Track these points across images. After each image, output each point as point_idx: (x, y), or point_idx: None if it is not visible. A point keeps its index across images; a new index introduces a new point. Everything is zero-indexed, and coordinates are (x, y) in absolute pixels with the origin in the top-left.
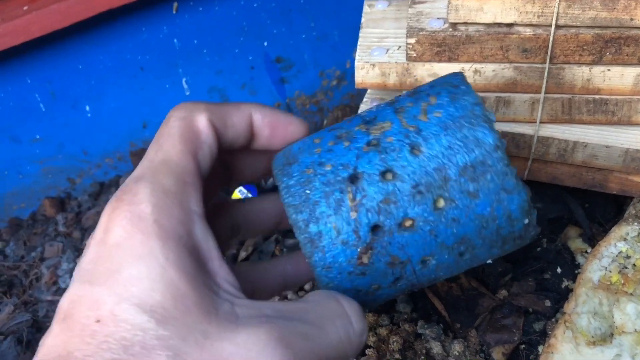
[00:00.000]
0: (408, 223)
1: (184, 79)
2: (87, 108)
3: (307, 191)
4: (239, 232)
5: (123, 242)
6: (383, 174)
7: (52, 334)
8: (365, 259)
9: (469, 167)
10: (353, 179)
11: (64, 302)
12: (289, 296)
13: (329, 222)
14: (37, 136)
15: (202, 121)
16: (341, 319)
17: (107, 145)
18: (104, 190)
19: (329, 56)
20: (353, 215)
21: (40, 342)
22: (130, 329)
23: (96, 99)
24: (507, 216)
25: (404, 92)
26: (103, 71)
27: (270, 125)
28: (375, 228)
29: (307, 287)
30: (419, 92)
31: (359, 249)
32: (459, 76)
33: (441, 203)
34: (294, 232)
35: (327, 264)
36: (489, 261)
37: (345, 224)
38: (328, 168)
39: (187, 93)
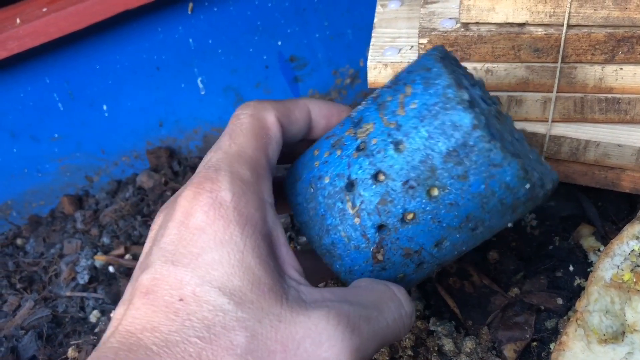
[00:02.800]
0: (409, 217)
1: (199, 78)
2: (105, 107)
3: (313, 207)
4: None
5: (205, 227)
6: (375, 176)
7: (133, 306)
8: (380, 257)
9: (452, 152)
10: (349, 187)
11: (146, 278)
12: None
13: (338, 231)
14: (56, 135)
15: (270, 118)
16: (393, 302)
17: (124, 143)
18: (121, 188)
19: (343, 55)
20: (357, 221)
21: (117, 313)
22: (212, 310)
23: (113, 98)
24: (505, 187)
25: (387, 82)
26: (120, 71)
27: (326, 117)
28: (380, 228)
29: None
30: (397, 82)
31: (371, 250)
32: (432, 55)
33: (435, 192)
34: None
35: (348, 268)
36: (510, 224)
37: (353, 230)
38: (326, 181)
39: (203, 92)
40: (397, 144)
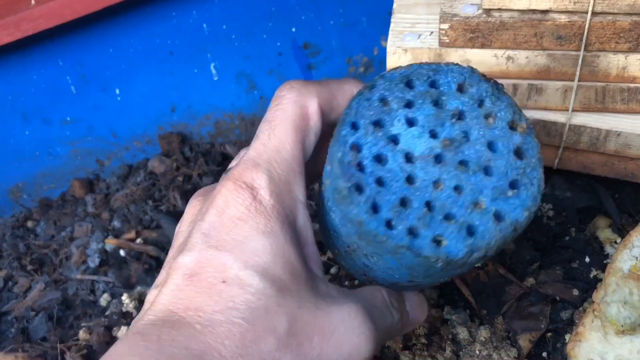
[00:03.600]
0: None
1: (212, 64)
2: (117, 91)
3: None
4: None
5: (247, 219)
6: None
7: (176, 286)
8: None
9: (355, 239)
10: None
11: (189, 260)
12: None
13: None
14: (68, 118)
15: (313, 107)
16: (388, 307)
17: (135, 128)
18: (132, 173)
19: (357, 43)
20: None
21: (151, 295)
22: (255, 293)
23: (126, 83)
24: (418, 265)
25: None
26: (133, 55)
27: None
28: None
29: (333, 270)
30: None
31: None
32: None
33: (367, 259)
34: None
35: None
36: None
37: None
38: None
39: (215, 78)
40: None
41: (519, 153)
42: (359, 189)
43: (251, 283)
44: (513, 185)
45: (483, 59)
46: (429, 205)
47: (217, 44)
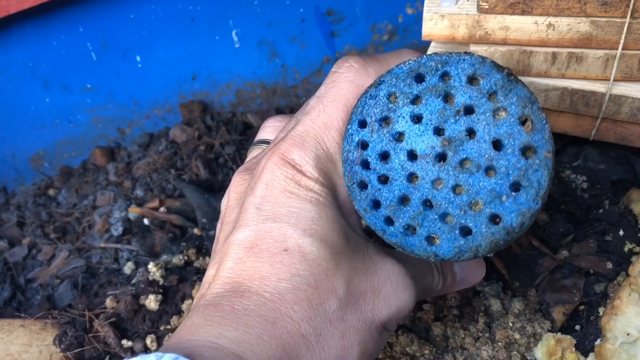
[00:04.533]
0: None
1: (234, 31)
2: (138, 58)
3: None
4: None
5: (299, 192)
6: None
7: (238, 259)
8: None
9: None
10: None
11: (248, 234)
12: None
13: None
14: (88, 85)
15: (369, 84)
16: (429, 268)
17: (156, 96)
18: (153, 141)
19: (381, 10)
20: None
21: (208, 274)
22: (315, 259)
23: (147, 49)
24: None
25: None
26: (154, 21)
27: None
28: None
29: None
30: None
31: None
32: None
33: None
34: None
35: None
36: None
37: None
38: None
39: (237, 45)
40: None
41: (526, 151)
42: (362, 185)
43: (312, 250)
44: (514, 186)
45: (522, 26)
46: (427, 203)
47: (239, 10)
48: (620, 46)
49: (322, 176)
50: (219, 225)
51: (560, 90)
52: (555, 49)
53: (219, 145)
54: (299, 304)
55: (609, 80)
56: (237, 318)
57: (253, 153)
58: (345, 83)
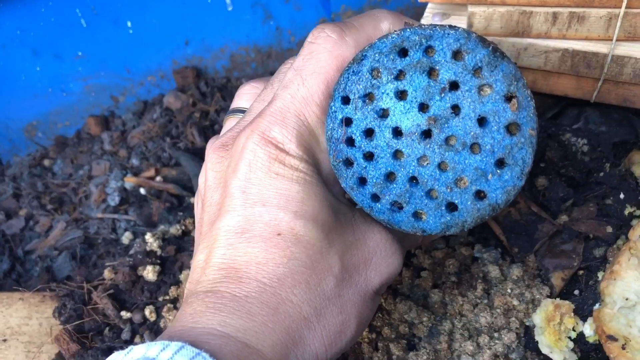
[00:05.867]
0: None
1: None
2: (129, 24)
3: None
4: None
5: (282, 171)
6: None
7: (230, 245)
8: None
9: None
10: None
11: (237, 219)
12: None
13: None
14: (79, 53)
15: (348, 55)
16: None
17: (149, 62)
18: (147, 109)
19: None
20: None
21: (197, 260)
22: (310, 240)
23: (138, 14)
24: None
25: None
26: None
27: None
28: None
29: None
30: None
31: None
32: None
33: None
34: None
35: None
36: None
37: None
38: None
39: (230, 8)
40: None
41: (511, 128)
42: (348, 163)
43: (305, 232)
44: (499, 164)
45: None
46: (413, 180)
47: None
48: (624, 4)
49: (306, 153)
50: (199, 205)
51: (561, 51)
52: (556, 9)
53: (214, 112)
54: (298, 287)
55: (611, 40)
56: (239, 305)
57: (229, 123)
58: (323, 54)
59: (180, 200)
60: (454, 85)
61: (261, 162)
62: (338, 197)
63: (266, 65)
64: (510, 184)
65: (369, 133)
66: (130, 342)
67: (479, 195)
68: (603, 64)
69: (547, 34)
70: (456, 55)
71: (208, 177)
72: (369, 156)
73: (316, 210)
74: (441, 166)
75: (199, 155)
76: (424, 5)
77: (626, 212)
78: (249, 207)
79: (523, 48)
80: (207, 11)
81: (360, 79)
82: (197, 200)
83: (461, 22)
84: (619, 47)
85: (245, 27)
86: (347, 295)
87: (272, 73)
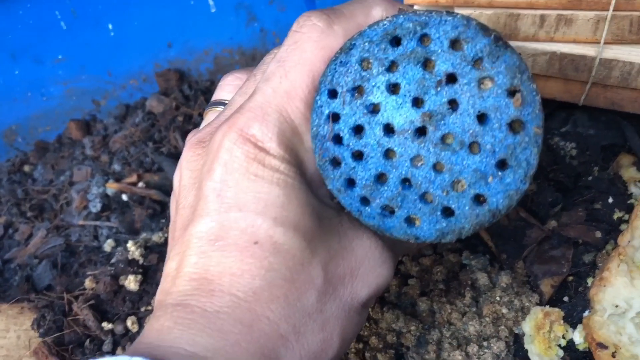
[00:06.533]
0: None
1: None
2: (110, 26)
3: None
4: None
5: (261, 173)
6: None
7: (203, 253)
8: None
9: None
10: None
11: (210, 225)
12: None
13: None
14: (60, 56)
15: (336, 45)
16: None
17: (131, 65)
18: (130, 113)
19: None
20: None
21: (168, 267)
22: (289, 250)
23: (119, 17)
24: None
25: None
26: None
27: None
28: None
29: None
30: None
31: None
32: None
33: None
34: None
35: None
36: None
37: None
38: None
39: (213, 10)
40: None
41: (514, 126)
42: (335, 162)
43: (284, 240)
44: (500, 165)
45: None
46: (405, 182)
47: None
48: (612, 7)
49: (288, 153)
50: (173, 206)
51: (549, 54)
52: (544, 11)
53: (198, 116)
54: (275, 301)
55: (599, 43)
56: (210, 322)
57: (209, 116)
58: (309, 44)
59: (163, 207)
60: (451, 78)
61: (238, 162)
62: (323, 201)
63: (251, 67)
64: (513, 187)
65: (358, 130)
66: (112, 354)
67: (478, 199)
68: (591, 67)
69: (535, 37)
70: (454, 44)
71: (183, 176)
72: (358, 155)
73: (298, 216)
74: (437, 167)
75: None
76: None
77: (615, 217)
78: (224, 212)
79: None
80: (190, 13)
81: (349, 71)
82: (171, 201)
83: None
84: (607, 50)
85: (229, 28)
86: (331, 310)
87: None
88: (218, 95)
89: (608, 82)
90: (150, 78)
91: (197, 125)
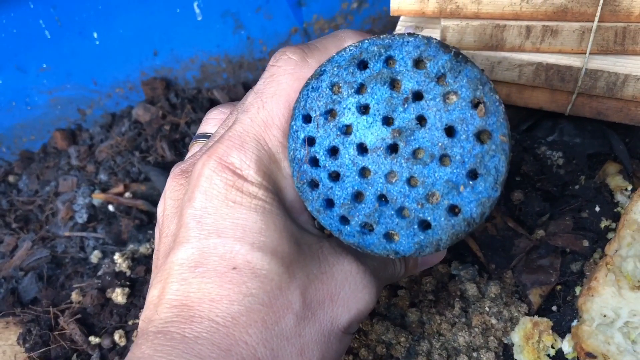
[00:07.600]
0: None
1: (195, 3)
2: (95, 35)
3: None
4: None
5: (240, 199)
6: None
7: (183, 280)
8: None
9: None
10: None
11: (191, 252)
12: None
13: None
14: (44, 65)
15: (306, 78)
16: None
17: (117, 74)
18: (116, 122)
19: None
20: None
21: (151, 295)
22: (267, 275)
23: (104, 25)
24: None
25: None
26: None
27: None
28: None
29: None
30: None
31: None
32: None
33: None
34: None
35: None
36: None
37: None
38: None
39: (199, 18)
40: None
41: (481, 136)
42: (313, 184)
43: (262, 265)
44: (470, 175)
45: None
46: (382, 199)
47: None
48: (597, 18)
49: (266, 180)
50: (157, 235)
51: (535, 65)
52: (530, 22)
53: (185, 124)
54: (253, 326)
55: (584, 53)
56: (188, 347)
57: (194, 148)
58: (284, 77)
59: (150, 217)
60: (417, 95)
61: (217, 189)
62: (304, 227)
63: (237, 75)
64: (485, 195)
65: (333, 151)
66: None
67: (453, 210)
68: (577, 77)
69: (521, 48)
70: (417, 63)
71: (166, 205)
72: (334, 176)
73: (275, 241)
74: (410, 182)
75: (169, 170)
76: (397, 16)
77: (602, 226)
78: (203, 238)
79: (497, 62)
80: (176, 21)
81: (321, 95)
82: (156, 231)
83: (434, 35)
84: (593, 61)
85: (216, 36)
86: (310, 334)
87: (244, 83)
88: (203, 128)
89: (594, 92)
90: (136, 86)
91: (184, 133)
